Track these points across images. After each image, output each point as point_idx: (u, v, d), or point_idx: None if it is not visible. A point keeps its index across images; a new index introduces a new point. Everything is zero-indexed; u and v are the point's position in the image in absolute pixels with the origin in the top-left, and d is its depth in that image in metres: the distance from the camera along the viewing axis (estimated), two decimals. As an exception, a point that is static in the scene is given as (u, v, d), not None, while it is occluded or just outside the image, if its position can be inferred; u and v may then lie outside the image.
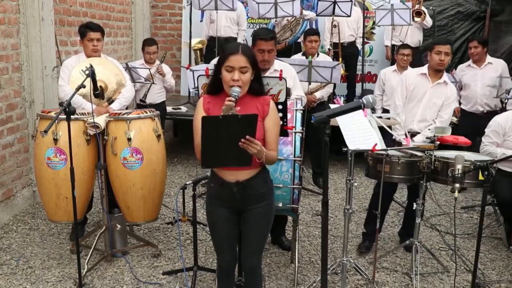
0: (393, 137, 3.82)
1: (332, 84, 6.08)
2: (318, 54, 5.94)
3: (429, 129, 4.19)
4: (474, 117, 5.85)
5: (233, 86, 2.52)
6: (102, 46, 4.41)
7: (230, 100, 2.45)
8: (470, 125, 5.67)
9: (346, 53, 7.08)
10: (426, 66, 4.34)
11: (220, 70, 2.58)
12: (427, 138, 4.12)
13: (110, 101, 4.26)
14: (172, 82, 6.18)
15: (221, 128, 2.35)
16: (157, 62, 5.97)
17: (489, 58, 5.90)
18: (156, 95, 6.02)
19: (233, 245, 2.79)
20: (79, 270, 3.40)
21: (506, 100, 5.61)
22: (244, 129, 2.38)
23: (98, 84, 3.89)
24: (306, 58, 5.55)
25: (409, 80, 4.34)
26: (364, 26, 7.58)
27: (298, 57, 5.98)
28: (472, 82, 5.85)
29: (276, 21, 6.95)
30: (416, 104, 4.29)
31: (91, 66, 3.44)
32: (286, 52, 6.91)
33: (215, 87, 2.65)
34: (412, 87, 4.31)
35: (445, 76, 4.30)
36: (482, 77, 5.82)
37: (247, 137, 2.38)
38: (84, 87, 3.26)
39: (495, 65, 5.86)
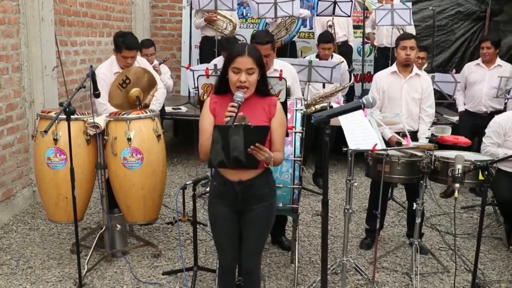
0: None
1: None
2: (332, 56, 5.97)
3: (429, 129, 4.21)
4: (475, 117, 5.80)
5: (239, 86, 2.54)
6: (135, 60, 4.31)
7: (232, 106, 2.47)
8: (471, 124, 5.65)
9: (341, 52, 7.12)
10: (395, 64, 4.37)
11: (227, 71, 2.60)
12: (426, 138, 4.14)
13: (144, 106, 4.23)
14: (169, 82, 6.08)
15: (232, 136, 2.35)
16: (156, 62, 5.95)
17: (498, 61, 5.80)
18: None
19: (235, 245, 2.78)
20: (79, 270, 3.40)
21: (506, 100, 5.60)
22: (254, 138, 2.38)
23: (134, 94, 4.04)
24: (320, 59, 5.61)
25: (381, 81, 4.37)
26: (364, 26, 7.59)
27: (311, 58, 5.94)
28: (479, 81, 5.76)
29: (274, 19, 6.94)
30: (397, 103, 4.30)
31: (91, 67, 3.44)
32: (281, 51, 6.90)
33: (222, 87, 2.67)
34: (385, 88, 4.33)
35: (416, 69, 4.34)
36: (489, 78, 5.72)
37: (257, 144, 2.39)
38: (84, 87, 3.27)
39: (504, 68, 5.75)
